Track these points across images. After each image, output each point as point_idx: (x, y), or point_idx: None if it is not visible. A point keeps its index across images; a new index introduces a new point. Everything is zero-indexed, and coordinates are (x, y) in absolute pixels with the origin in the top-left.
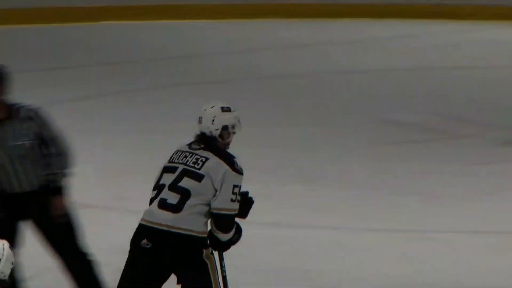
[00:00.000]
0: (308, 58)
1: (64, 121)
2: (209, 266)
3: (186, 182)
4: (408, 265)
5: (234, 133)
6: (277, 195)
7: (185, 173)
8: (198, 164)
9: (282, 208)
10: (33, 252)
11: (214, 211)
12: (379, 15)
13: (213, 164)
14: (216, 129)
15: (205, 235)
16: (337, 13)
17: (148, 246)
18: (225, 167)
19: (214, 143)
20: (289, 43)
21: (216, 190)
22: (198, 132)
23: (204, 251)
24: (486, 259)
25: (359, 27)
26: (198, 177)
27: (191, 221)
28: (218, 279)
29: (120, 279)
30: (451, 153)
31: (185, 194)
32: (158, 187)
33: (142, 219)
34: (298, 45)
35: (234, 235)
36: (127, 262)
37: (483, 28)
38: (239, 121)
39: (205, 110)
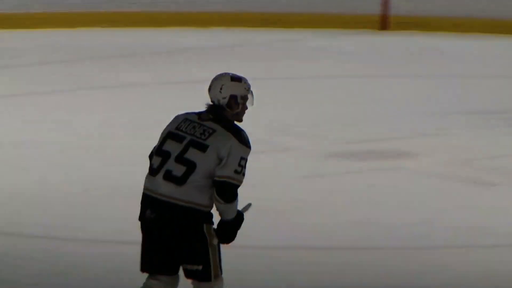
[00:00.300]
0: (128, 68)
1: None
2: (208, 241)
3: (191, 154)
4: None
5: (243, 104)
6: None
7: (192, 143)
8: (205, 135)
9: None
10: None
11: (218, 179)
12: (205, 24)
13: (220, 136)
14: (224, 98)
15: (208, 209)
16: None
17: (153, 216)
18: (232, 138)
19: (222, 113)
20: (109, 52)
21: (221, 161)
22: (209, 102)
23: (205, 225)
24: None
25: (176, 36)
26: (203, 148)
27: (194, 194)
28: (218, 256)
29: (141, 254)
30: (277, 166)
31: (190, 166)
32: (162, 154)
33: (145, 188)
34: (115, 55)
35: (237, 218)
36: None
37: (311, 37)
38: (251, 94)
39: (215, 79)
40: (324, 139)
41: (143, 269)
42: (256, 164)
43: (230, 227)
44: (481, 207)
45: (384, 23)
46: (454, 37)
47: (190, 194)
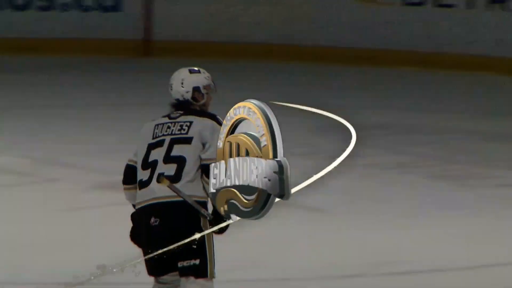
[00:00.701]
0: None
1: None
2: (205, 236)
3: (177, 150)
4: None
5: (208, 93)
6: None
7: (174, 142)
8: (184, 130)
9: None
10: None
11: (205, 162)
12: None
13: (199, 124)
14: (187, 92)
15: (205, 200)
16: None
17: (158, 223)
18: (210, 122)
19: (189, 107)
20: None
21: (204, 145)
22: (173, 100)
23: (202, 220)
24: None
25: None
26: (188, 140)
27: (191, 187)
28: (213, 251)
29: (146, 264)
30: (38, 198)
31: (181, 162)
32: (150, 165)
33: (139, 203)
34: None
35: None
36: (144, 249)
37: (70, 64)
38: (213, 82)
39: (173, 76)
40: (85, 169)
41: (150, 273)
42: (12, 196)
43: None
44: None
45: (146, 49)
46: (219, 63)
47: (187, 188)
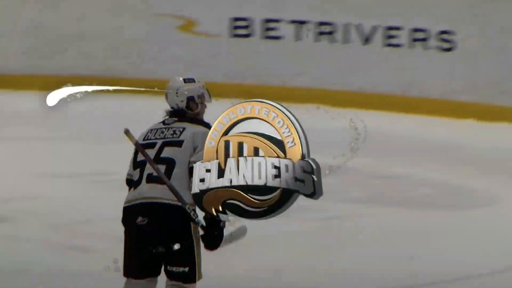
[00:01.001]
0: None
1: None
2: (194, 242)
3: (167, 152)
4: None
5: (202, 103)
6: None
7: (165, 144)
8: (176, 134)
9: None
10: None
11: (191, 165)
12: None
13: (191, 130)
14: (182, 101)
15: (194, 206)
16: None
17: (145, 222)
18: (203, 129)
19: (184, 115)
20: None
21: (195, 149)
22: (169, 108)
23: (192, 225)
24: None
25: None
26: (179, 143)
27: (181, 192)
28: (200, 257)
29: (127, 264)
30: None
31: (170, 164)
32: (139, 165)
33: (129, 201)
34: None
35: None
36: (128, 246)
37: None
38: (207, 91)
39: (168, 85)
40: None
41: (129, 274)
42: None
43: (218, 229)
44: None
45: None
46: (43, 95)
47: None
